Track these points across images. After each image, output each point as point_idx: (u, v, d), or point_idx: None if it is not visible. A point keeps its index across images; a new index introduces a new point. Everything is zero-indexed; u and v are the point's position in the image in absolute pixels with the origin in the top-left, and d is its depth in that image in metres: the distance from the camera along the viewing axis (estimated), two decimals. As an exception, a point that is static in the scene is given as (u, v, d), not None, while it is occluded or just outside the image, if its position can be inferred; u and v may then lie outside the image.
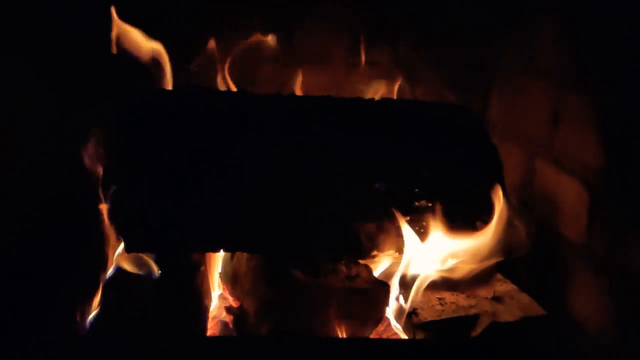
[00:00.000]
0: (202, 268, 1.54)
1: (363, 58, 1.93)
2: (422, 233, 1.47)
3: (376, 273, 1.55)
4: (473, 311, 1.47)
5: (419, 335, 1.45)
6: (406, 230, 1.44)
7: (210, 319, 1.53)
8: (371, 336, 1.48)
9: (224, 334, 1.47)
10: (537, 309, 1.50)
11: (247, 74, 1.87)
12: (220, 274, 1.62)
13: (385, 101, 1.64)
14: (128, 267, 1.46)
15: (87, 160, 1.60)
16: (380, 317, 1.49)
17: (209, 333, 1.48)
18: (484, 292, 1.54)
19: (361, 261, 1.51)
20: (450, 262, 1.49)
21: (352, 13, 1.91)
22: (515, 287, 1.58)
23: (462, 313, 1.47)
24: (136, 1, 1.76)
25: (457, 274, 1.50)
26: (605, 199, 1.44)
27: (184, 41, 1.79)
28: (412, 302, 1.47)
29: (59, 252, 1.63)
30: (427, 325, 1.44)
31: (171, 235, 1.43)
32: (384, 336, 1.53)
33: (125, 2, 1.73)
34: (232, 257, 1.57)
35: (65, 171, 1.73)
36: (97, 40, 1.74)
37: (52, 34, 1.67)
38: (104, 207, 1.50)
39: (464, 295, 1.53)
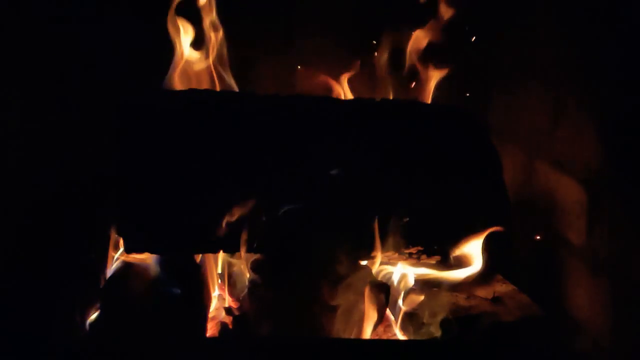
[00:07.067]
0: (202, 268, 1.54)
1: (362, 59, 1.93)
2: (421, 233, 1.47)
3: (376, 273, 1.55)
4: (473, 312, 1.47)
5: (419, 336, 1.45)
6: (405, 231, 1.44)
7: (209, 320, 1.53)
8: (371, 336, 1.48)
9: (223, 335, 1.47)
10: (537, 310, 1.49)
11: (247, 74, 1.87)
12: (220, 274, 1.62)
13: (385, 102, 1.64)
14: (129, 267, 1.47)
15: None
16: (380, 317, 1.49)
17: (208, 334, 1.48)
18: (484, 293, 1.54)
19: (361, 261, 1.51)
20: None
21: (351, 14, 1.92)
22: (515, 287, 1.58)
23: (462, 314, 1.47)
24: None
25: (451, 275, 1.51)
26: (605, 200, 1.44)
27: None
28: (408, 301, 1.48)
29: (59, 252, 1.64)
30: (427, 326, 1.44)
31: (171, 236, 1.43)
32: (384, 336, 1.53)
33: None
34: (232, 257, 1.57)
35: (65, 172, 1.73)
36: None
37: (52, 33, 1.68)
38: (104, 208, 1.51)
39: (464, 296, 1.53)
